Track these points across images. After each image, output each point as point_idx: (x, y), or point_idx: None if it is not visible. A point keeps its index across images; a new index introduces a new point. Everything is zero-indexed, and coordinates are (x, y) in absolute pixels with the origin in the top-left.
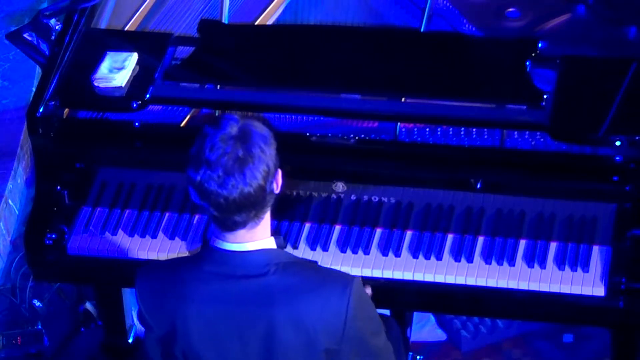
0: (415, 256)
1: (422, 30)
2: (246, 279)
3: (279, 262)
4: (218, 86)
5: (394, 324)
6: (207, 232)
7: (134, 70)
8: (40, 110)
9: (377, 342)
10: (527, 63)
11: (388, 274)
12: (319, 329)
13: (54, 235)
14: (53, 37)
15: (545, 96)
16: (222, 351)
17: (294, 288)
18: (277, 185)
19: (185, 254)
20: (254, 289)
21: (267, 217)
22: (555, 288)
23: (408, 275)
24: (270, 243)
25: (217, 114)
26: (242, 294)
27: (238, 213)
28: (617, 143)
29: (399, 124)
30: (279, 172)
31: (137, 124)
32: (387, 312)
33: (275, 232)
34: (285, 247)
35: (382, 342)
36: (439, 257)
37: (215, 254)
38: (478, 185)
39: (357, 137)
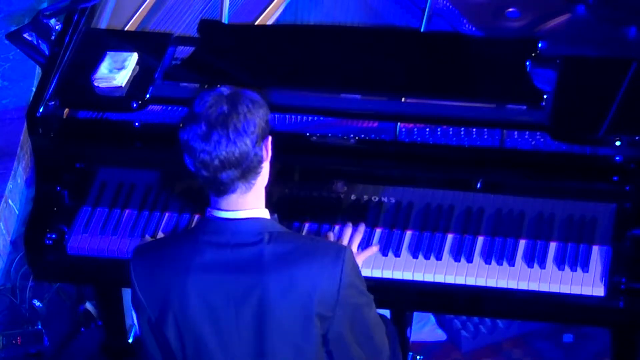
0: (415, 256)
1: (422, 30)
2: (240, 247)
3: (272, 230)
4: (218, 86)
5: (388, 322)
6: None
7: (134, 70)
8: (40, 110)
9: (369, 313)
10: (527, 63)
11: (388, 274)
12: (313, 295)
13: (54, 235)
14: (53, 37)
15: (545, 96)
16: (216, 320)
17: (287, 255)
18: (266, 151)
19: None
20: (248, 257)
21: (259, 186)
22: (555, 288)
23: (408, 275)
24: (263, 213)
25: None
26: (237, 262)
27: (223, 170)
28: (617, 143)
29: (399, 124)
30: (269, 138)
31: (137, 124)
32: (387, 312)
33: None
34: None
35: (373, 315)
36: (438, 257)
37: (210, 223)
38: (478, 185)
39: (357, 137)
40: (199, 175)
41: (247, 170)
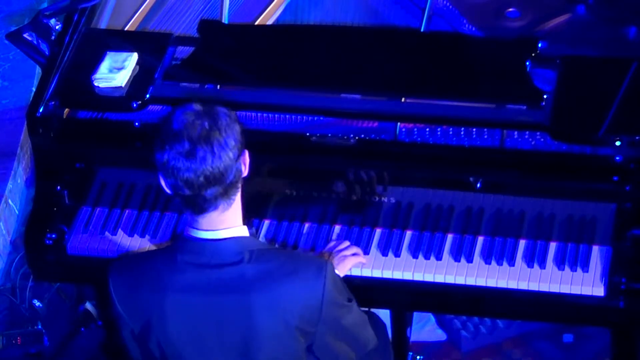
0: (415, 256)
1: (422, 30)
2: (220, 267)
3: (252, 249)
4: (218, 86)
5: (378, 321)
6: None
7: (134, 70)
8: (40, 110)
9: (352, 319)
10: (527, 63)
11: (388, 274)
12: (296, 313)
13: (53, 235)
14: (53, 37)
15: (545, 96)
16: (199, 341)
17: (269, 274)
18: (244, 166)
19: None
20: (230, 277)
21: (237, 202)
22: (555, 288)
23: (408, 275)
24: (242, 231)
25: None
26: (218, 282)
27: (209, 187)
28: (617, 143)
29: (399, 124)
30: (246, 152)
31: (137, 124)
32: (387, 312)
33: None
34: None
35: (355, 318)
36: (438, 257)
37: (189, 244)
38: (478, 185)
39: (357, 137)
40: (178, 195)
41: (229, 185)
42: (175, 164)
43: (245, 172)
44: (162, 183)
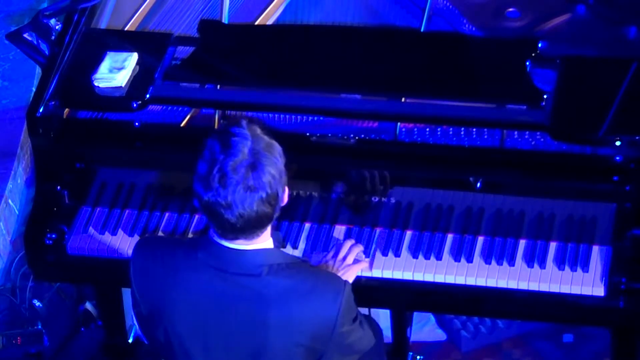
0: (415, 256)
1: (422, 30)
2: (239, 276)
3: (273, 263)
4: (218, 86)
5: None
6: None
7: (134, 70)
8: (40, 110)
9: (360, 338)
10: (527, 63)
11: (388, 274)
12: (309, 332)
13: (54, 235)
14: (53, 37)
15: (545, 96)
16: (205, 341)
17: (287, 291)
18: (283, 202)
19: None
20: (247, 288)
21: (268, 228)
22: (555, 288)
23: (408, 275)
24: (268, 244)
25: (221, 118)
26: (233, 290)
27: (241, 232)
28: (617, 143)
29: (399, 124)
30: (286, 190)
31: (137, 124)
32: (387, 312)
33: (274, 227)
34: (284, 246)
35: (363, 335)
36: (438, 257)
37: (212, 246)
38: (478, 185)
39: (357, 137)
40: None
41: (263, 227)
42: (214, 209)
43: (282, 204)
44: (195, 204)
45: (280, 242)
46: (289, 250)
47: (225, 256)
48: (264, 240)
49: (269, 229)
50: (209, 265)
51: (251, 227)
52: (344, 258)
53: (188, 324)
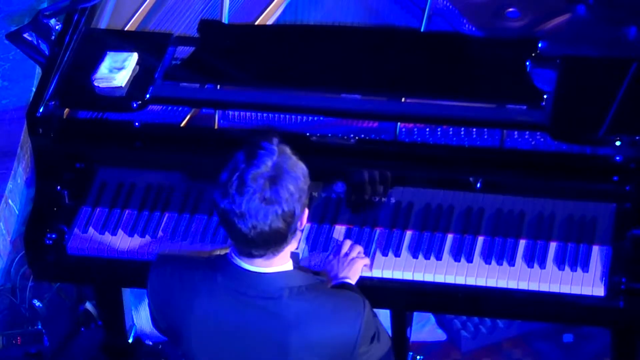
0: (415, 256)
1: (422, 30)
2: (259, 299)
3: (293, 285)
4: (218, 86)
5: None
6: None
7: (134, 70)
8: (40, 110)
9: (374, 351)
10: (527, 63)
11: (388, 274)
12: (328, 355)
13: (54, 235)
14: (53, 37)
15: (545, 96)
16: None
17: (308, 314)
18: (301, 224)
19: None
20: (267, 312)
21: (287, 248)
22: (555, 288)
23: (408, 275)
24: (287, 266)
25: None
26: (254, 314)
27: (255, 248)
28: (617, 143)
29: (399, 124)
30: (306, 211)
31: (137, 124)
32: (387, 312)
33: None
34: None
35: (377, 345)
36: (438, 257)
37: (231, 268)
38: (478, 185)
39: (357, 137)
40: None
41: (278, 245)
42: (229, 217)
43: (301, 228)
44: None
45: (297, 263)
46: None
47: (245, 279)
48: (284, 263)
49: (287, 250)
50: (229, 288)
51: (265, 243)
52: (347, 254)
53: (206, 347)
